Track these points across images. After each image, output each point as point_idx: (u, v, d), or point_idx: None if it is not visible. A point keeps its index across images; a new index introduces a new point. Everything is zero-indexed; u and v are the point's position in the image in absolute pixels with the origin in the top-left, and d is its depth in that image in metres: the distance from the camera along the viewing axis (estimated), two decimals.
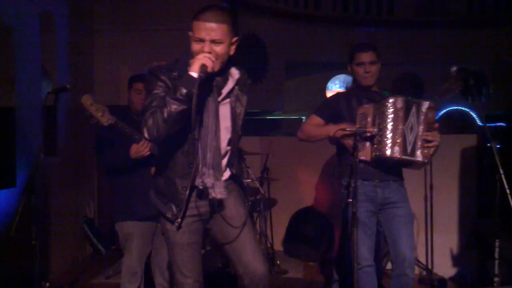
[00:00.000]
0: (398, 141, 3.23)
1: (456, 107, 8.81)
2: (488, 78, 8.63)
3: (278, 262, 5.29)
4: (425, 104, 3.28)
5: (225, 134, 2.59)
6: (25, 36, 4.63)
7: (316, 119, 3.57)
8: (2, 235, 3.90)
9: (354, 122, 3.40)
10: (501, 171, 3.09)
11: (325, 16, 8.83)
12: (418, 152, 3.27)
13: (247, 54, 7.30)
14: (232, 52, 2.53)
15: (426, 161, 3.31)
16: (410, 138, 3.25)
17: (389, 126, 3.24)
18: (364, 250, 3.32)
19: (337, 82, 10.91)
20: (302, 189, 6.03)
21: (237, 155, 2.73)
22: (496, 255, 3.09)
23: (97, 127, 3.60)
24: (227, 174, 2.66)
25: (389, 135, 3.24)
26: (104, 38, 6.45)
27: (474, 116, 8.75)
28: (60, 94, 3.65)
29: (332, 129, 3.45)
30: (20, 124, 4.43)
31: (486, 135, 4.56)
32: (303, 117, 8.47)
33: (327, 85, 9.99)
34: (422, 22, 9.15)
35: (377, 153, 3.27)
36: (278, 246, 5.85)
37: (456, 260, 4.99)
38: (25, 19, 4.67)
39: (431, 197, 4.91)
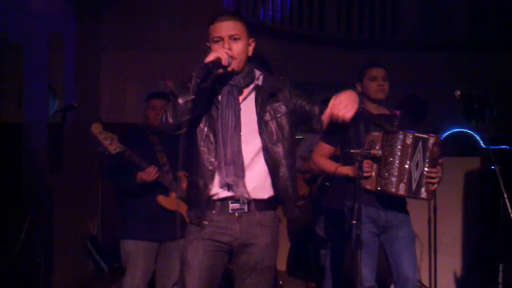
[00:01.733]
0: (404, 179, 3.22)
1: (459, 129, 8.81)
2: (491, 101, 8.65)
3: (280, 282, 5.27)
4: (431, 139, 3.26)
5: (252, 138, 2.48)
6: (33, 53, 4.68)
7: (325, 147, 3.56)
8: (7, 252, 3.90)
9: (361, 147, 3.40)
10: (505, 195, 3.10)
11: (329, 38, 8.87)
12: (423, 190, 3.25)
13: None
14: (250, 53, 2.52)
15: (430, 198, 3.31)
16: (415, 175, 3.23)
17: (396, 162, 3.22)
18: (366, 271, 3.31)
19: None
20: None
21: (287, 176, 2.50)
22: (500, 280, 3.08)
23: (101, 154, 3.65)
24: (262, 191, 2.48)
25: (395, 171, 3.22)
26: (111, 56, 6.49)
27: (477, 138, 8.75)
28: (68, 112, 3.69)
29: (334, 168, 3.46)
30: (27, 141, 4.46)
31: (490, 158, 4.57)
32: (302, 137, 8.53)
33: None
34: (426, 44, 9.18)
35: (382, 188, 3.27)
36: (280, 266, 5.84)
37: (459, 283, 4.98)
38: (34, 37, 4.72)
39: (435, 219, 4.90)
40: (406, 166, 3.21)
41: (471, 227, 5.05)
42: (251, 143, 2.47)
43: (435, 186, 3.28)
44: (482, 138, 8.61)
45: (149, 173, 3.54)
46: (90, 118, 5.94)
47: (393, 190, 3.21)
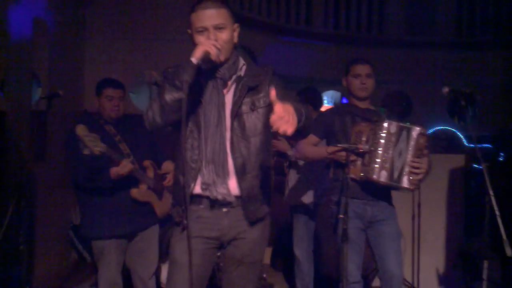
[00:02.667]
0: (386, 166, 3.23)
1: (443, 127, 8.88)
2: (476, 100, 8.72)
3: (264, 275, 5.27)
4: (416, 130, 3.27)
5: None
6: (16, 40, 4.60)
7: (311, 137, 3.54)
8: None
9: (348, 140, 3.40)
10: (491, 193, 3.12)
11: (316, 33, 8.88)
12: (405, 179, 3.25)
13: None
14: (236, 39, 2.41)
15: (412, 188, 3.30)
16: (397, 164, 3.24)
17: (380, 149, 3.24)
18: (351, 267, 3.32)
19: (325, 98, 10.97)
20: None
21: (256, 173, 2.41)
22: (485, 276, 3.10)
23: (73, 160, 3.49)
24: (234, 187, 2.39)
25: (378, 159, 3.24)
26: (95, 45, 6.43)
27: (461, 136, 8.83)
28: (52, 100, 3.63)
29: (325, 150, 3.45)
30: (10, 129, 4.39)
31: (474, 156, 4.60)
32: None
33: None
34: (411, 42, 9.24)
35: (365, 175, 3.28)
36: (264, 259, 5.83)
37: (442, 279, 5.01)
38: (18, 24, 4.64)
39: (419, 216, 4.93)
40: (389, 154, 3.22)
41: (454, 224, 5.09)
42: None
43: (419, 176, 3.27)
44: (465, 137, 8.69)
45: (124, 167, 3.39)
46: (74, 107, 5.89)
47: (375, 177, 3.22)
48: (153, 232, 3.83)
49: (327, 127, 3.54)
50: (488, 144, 7.91)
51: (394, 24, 9.40)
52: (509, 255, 2.97)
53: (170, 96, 2.22)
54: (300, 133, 2.22)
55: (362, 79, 3.48)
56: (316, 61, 8.62)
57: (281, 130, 1.99)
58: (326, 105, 11.18)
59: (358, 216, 3.38)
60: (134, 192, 3.57)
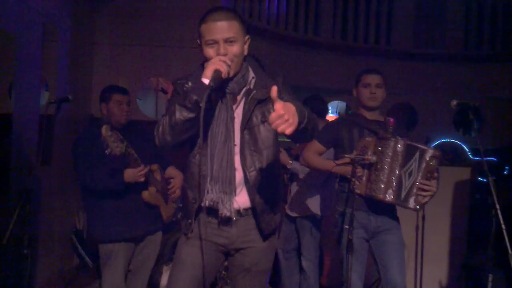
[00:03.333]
0: (392, 185, 3.21)
1: (448, 139, 8.88)
2: (483, 113, 8.72)
3: None
4: (430, 153, 3.25)
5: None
6: (27, 44, 4.63)
7: (317, 146, 3.55)
8: None
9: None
10: (497, 206, 3.11)
11: (324, 43, 8.91)
12: (411, 200, 3.23)
13: None
14: (246, 52, 2.36)
15: (418, 208, 3.29)
16: (406, 184, 3.22)
17: (386, 167, 3.22)
18: (354, 277, 3.32)
19: (330, 108, 10.98)
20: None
21: (269, 185, 2.40)
22: None
23: (77, 144, 3.57)
24: (244, 200, 2.38)
25: (384, 177, 3.22)
26: (104, 50, 6.46)
27: (466, 149, 8.82)
28: (61, 104, 3.64)
29: (331, 165, 3.46)
30: (17, 132, 4.41)
31: (479, 169, 4.59)
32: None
33: None
34: (419, 54, 9.25)
35: (371, 193, 3.27)
36: None
37: None
38: (29, 28, 4.67)
39: (423, 227, 4.92)
40: (396, 173, 3.21)
41: (458, 237, 5.08)
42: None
43: (426, 199, 3.26)
44: (471, 150, 8.67)
45: (141, 170, 3.45)
46: (81, 112, 5.91)
47: (381, 196, 3.21)
48: (158, 238, 3.85)
49: (334, 138, 3.54)
50: (493, 157, 7.90)
51: (402, 36, 9.42)
52: None
53: (180, 116, 2.18)
54: (301, 134, 2.17)
55: (371, 88, 3.47)
56: (323, 71, 8.63)
57: (280, 129, 1.95)
58: (331, 115, 11.21)
59: (362, 226, 3.38)
60: (146, 194, 3.58)
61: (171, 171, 3.84)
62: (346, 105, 10.36)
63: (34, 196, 4.03)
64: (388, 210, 3.43)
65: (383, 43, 9.30)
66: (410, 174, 3.22)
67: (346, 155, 3.30)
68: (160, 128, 2.25)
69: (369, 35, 9.31)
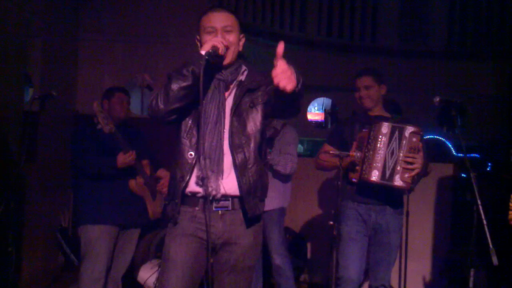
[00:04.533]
0: (377, 165, 3.30)
1: (431, 136, 8.95)
2: (466, 110, 8.81)
3: None
4: (408, 129, 3.34)
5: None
6: (9, 40, 4.60)
7: (328, 148, 3.67)
8: None
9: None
10: (479, 202, 3.15)
11: (309, 40, 8.92)
12: (396, 177, 3.31)
13: None
14: (241, 48, 2.54)
15: (404, 186, 3.34)
16: (389, 163, 3.31)
17: (374, 150, 3.32)
18: (355, 265, 3.45)
19: (316, 104, 11.01)
20: None
21: (256, 170, 2.46)
22: (471, 285, 3.14)
23: (76, 130, 3.80)
24: (231, 186, 2.44)
25: (372, 159, 3.32)
26: (89, 46, 6.41)
27: (450, 146, 8.89)
28: (45, 101, 3.63)
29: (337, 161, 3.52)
30: (1, 128, 4.38)
31: (462, 165, 4.64)
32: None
33: (309, 107, 10.09)
34: (403, 51, 9.30)
35: (363, 177, 3.35)
36: None
37: (429, 287, 5.05)
38: (10, 24, 4.63)
39: (407, 224, 4.96)
40: (381, 154, 3.29)
41: (442, 232, 5.14)
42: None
43: (412, 173, 3.31)
44: (454, 146, 8.75)
45: (130, 155, 3.58)
46: (66, 108, 5.88)
47: (367, 176, 3.30)
48: (135, 234, 3.93)
49: (340, 137, 3.67)
50: (476, 153, 7.99)
51: (387, 33, 9.46)
52: (496, 264, 3.00)
53: (176, 84, 2.31)
54: (293, 102, 2.29)
55: (361, 92, 3.60)
56: (308, 68, 8.65)
57: (281, 84, 2.07)
58: (316, 112, 11.24)
59: (363, 220, 3.46)
60: (133, 183, 3.71)
61: (162, 172, 3.92)
62: (332, 102, 10.39)
63: (18, 193, 4.02)
64: (390, 202, 3.47)
65: (368, 40, 9.33)
66: (392, 153, 3.29)
67: (331, 152, 3.37)
68: (154, 100, 2.37)
69: (354, 32, 9.34)
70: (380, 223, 3.46)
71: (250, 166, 2.42)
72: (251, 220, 2.48)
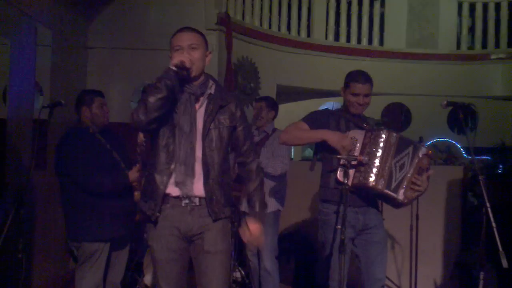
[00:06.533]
0: (384, 174, 3.27)
1: (442, 139, 8.91)
2: (475, 112, 8.77)
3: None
4: (423, 150, 3.35)
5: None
6: (20, 49, 4.64)
7: (304, 126, 3.55)
8: None
9: None
10: (488, 204, 3.14)
11: (317, 44, 8.93)
12: (401, 192, 3.31)
13: (240, 77, 7.35)
14: (207, 63, 2.83)
15: (406, 202, 3.34)
16: (397, 175, 3.30)
17: (378, 158, 3.28)
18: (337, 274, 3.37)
19: (325, 108, 11.00)
20: None
21: (217, 180, 2.77)
22: (481, 287, 3.13)
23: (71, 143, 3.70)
24: (199, 189, 2.74)
25: (376, 166, 3.28)
26: (98, 55, 6.47)
27: (460, 148, 8.85)
28: (54, 109, 3.65)
29: (328, 134, 3.42)
30: (11, 137, 4.42)
31: (472, 168, 4.61)
32: None
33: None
34: (412, 54, 9.29)
35: (361, 181, 3.30)
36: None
37: None
38: (22, 33, 4.68)
39: (417, 227, 4.95)
40: (388, 163, 3.27)
41: (452, 235, 5.12)
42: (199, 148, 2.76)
43: (416, 194, 3.33)
44: (465, 149, 8.71)
45: (136, 172, 3.60)
46: (75, 117, 5.90)
47: (372, 183, 3.26)
48: (127, 240, 3.94)
49: (321, 122, 3.53)
50: (487, 156, 7.94)
51: (395, 36, 9.46)
52: (505, 266, 2.99)
53: (153, 97, 2.60)
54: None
55: (359, 98, 3.49)
56: (317, 73, 8.66)
57: (253, 246, 2.81)
58: None
59: (351, 225, 3.40)
60: (137, 195, 3.67)
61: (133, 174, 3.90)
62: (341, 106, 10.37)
63: (28, 201, 4.05)
64: (373, 203, 3.48)
65: (376, 44, 9.34)
66: (401, 167, 3.30)
67: (339, 156, 3.31)
68: (135, 113, 2.65)
69: (362, 36, 9.35)
70: (367, 223, 3.45)
71: (212, 177, 2.75)
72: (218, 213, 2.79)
